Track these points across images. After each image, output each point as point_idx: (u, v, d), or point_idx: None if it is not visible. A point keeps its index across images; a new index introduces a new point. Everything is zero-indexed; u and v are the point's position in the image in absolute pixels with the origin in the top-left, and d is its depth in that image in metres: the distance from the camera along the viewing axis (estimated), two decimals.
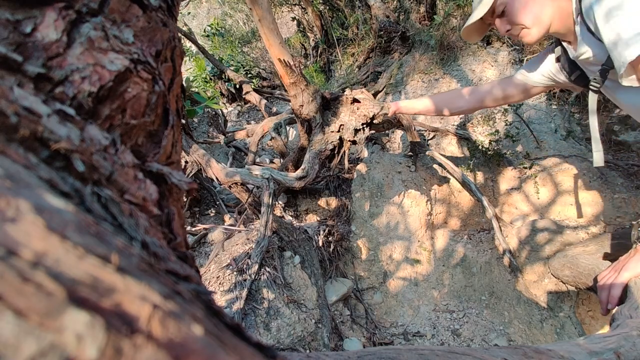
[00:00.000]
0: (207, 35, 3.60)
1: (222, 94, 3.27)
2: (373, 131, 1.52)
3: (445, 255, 1.65)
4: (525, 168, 1.78)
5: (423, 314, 1.50)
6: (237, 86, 3.01)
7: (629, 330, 0.65)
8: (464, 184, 1.74)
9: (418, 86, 2.41)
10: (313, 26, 3.50)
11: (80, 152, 0.19)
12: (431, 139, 2.09)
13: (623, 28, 0.71)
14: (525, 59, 2.24)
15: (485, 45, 2.43)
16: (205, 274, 1.11)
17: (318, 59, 3.47)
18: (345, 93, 1.40)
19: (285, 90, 2.38)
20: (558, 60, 1.01)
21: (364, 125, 1.34)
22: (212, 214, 1.88)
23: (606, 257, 1.19)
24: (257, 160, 2.20)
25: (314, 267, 1.31)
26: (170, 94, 0.30)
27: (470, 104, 1.23)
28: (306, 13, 3.56)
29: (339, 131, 1.34)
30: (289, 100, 1.52)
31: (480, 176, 1.86)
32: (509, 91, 1.15)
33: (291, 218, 1.80)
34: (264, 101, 2.45)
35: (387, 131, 2.09)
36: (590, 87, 0.89)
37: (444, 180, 1.83)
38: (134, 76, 0.24)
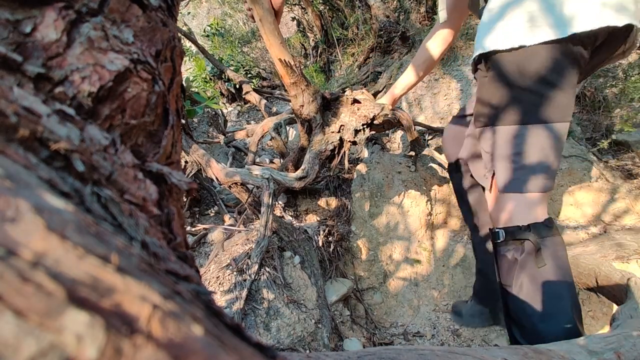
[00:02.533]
0: (207, 35, 3.60)
1: (222, 94, 3.27)
2: (373, 132, 1.52)
3: (445, 255, 1.65)
4: None
5: (423, 314, 1.50)
6: (237, 86, 3.00)
7: (629, 330, 0.65)
8: None
9: (418, 86, 2.40)
10: (313, 26, 3.50)
11: (80, 152, 0.19)
12: (431, 139, 2.09)
13: None
14: None
15: None
16: (205, 274, 1.11)
17: (318, 59, 3.47)
18: (345, 93, 1.39)
19: (285, 90, 2.38)
20: None
21: (364, 126, 1.34)
22: (212, 214, 1.87)
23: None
24: (257, 160, 2.20)
25: (314, 267, 1.31)
26: (170, 94, 0.30)
27: (446, 41, 1.25)
28: (306, 13, 3.55)
29: (339, 132, 1.34)
30: (289, 100, 1.52)
31: None
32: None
33: (291, 218, 1.80)
34: (263, 101, 2.45)
35: (387, 131, 2.09)
36: None
37: (444, 180, 1.83)
38: (134, 76, 0.24)
